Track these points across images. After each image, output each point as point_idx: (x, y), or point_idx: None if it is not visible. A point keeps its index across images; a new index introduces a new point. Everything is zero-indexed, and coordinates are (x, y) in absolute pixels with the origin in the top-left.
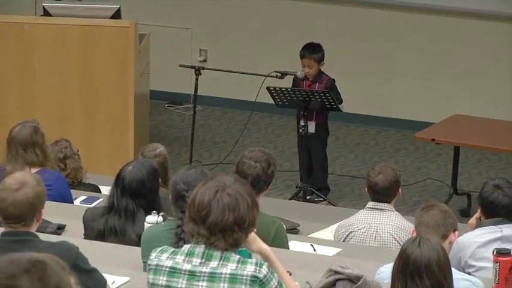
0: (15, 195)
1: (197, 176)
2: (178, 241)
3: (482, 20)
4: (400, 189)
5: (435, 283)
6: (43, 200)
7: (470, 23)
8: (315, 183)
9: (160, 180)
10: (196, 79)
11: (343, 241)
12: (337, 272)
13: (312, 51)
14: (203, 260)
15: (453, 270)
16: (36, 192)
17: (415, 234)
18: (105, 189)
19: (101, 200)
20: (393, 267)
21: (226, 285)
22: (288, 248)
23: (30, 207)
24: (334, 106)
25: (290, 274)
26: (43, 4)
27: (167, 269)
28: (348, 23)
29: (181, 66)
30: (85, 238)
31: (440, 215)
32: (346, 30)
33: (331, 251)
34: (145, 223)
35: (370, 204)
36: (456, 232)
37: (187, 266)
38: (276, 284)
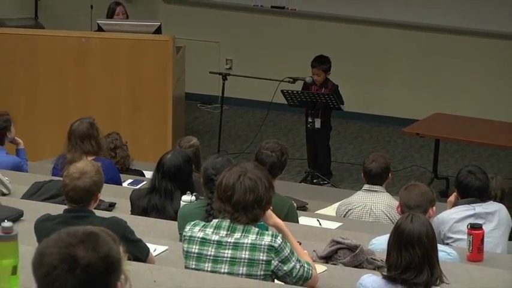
0: (75, 183)
1: (224, 163)
2: (208, 216)
3: (457, 35)
4: (390, 174)
5: (425, 252)
6: (100, 186)
7: (449, 37)
8: (320, 169)
9: (193, 166)
10: (223, 83)
11: (344, 217)
12: (338, 242)
13: (321, 62)
14: (228, 232)
15: None
16: (93, 181)
17: (399, 209)
18: (149, 174)
19: (144, 182)
20: (389, 239)
21: (247, 252)
22: (298, 222)
23: (88, 193)
24: (337, 106)
25: (300, 244)
26: (97, 21)
27: (199, 239)
28: (349, 38)
29: (211, 73)
30: (131, 214)
31: (421, 193)
32: (349, 44)
33: (333, 225)
34: (181, 201)
35: (366, 186)
36: (434, 207)
37: (215, 237)
38: (288, 252)
